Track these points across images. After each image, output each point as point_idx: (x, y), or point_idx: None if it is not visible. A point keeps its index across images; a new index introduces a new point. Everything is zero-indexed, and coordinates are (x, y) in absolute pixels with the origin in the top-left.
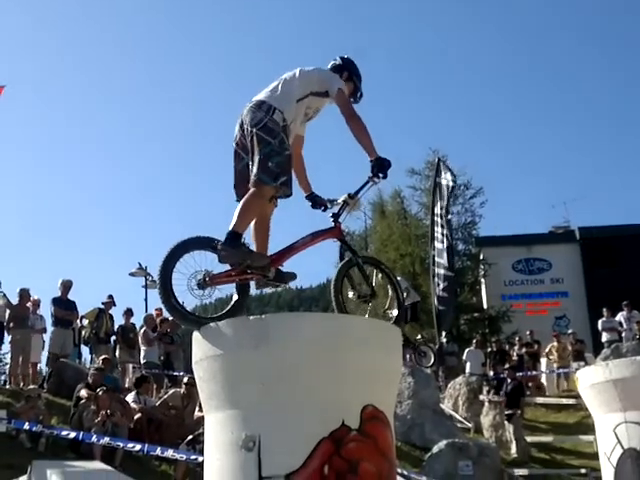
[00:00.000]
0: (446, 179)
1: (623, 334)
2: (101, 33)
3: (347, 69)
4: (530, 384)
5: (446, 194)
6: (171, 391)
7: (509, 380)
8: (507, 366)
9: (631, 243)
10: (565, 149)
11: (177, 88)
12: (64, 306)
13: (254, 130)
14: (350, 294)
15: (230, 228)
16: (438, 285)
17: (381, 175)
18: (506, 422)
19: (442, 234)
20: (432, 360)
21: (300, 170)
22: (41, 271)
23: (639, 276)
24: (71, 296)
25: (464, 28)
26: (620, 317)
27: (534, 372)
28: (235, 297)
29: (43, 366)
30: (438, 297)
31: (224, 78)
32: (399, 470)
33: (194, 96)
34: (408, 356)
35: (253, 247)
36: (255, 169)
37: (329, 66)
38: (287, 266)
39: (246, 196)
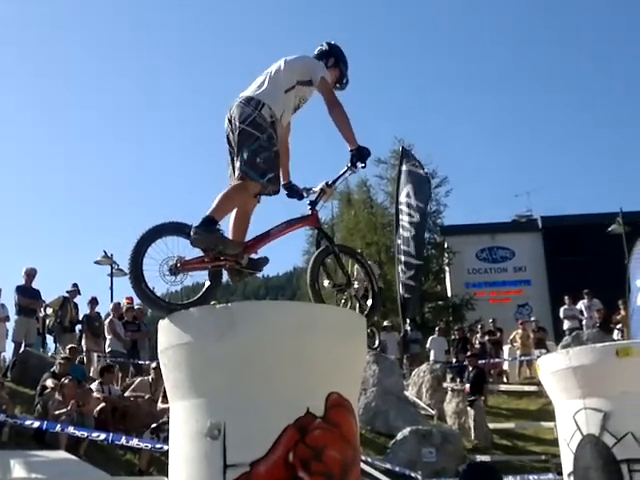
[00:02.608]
0: (418, 168)
1: (584, 322)
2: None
3: (333, 55)
4: (492, 371)
5: (415, 182)
6: (138, 379)
7: (471, 368)
8: (469, 354)
9: (593, 232)
10: (528, 139)
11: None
12: (28, 294)
13: (242, 125)
14: (325, 283)
15: (207, 214)
16: (404, 273)
17: (360, 164)
18: (469, 408)
19: (409, 222)
20: (377, 341)
21: (283, 157)
22: (3, 259)
23: (600, 265)
24: (35, 284)
25: (430, 18)
26: (581, 305)
27: (497, 359)
28: (207, 284)
29: (8, 355)
30: (404, 285)
31: (201, 70)
32: (363, 457)
33: (157, 82)
34: None
35: (229, 236)
36: (240, 164)
37: (315, 52)
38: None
39: (229, 186)
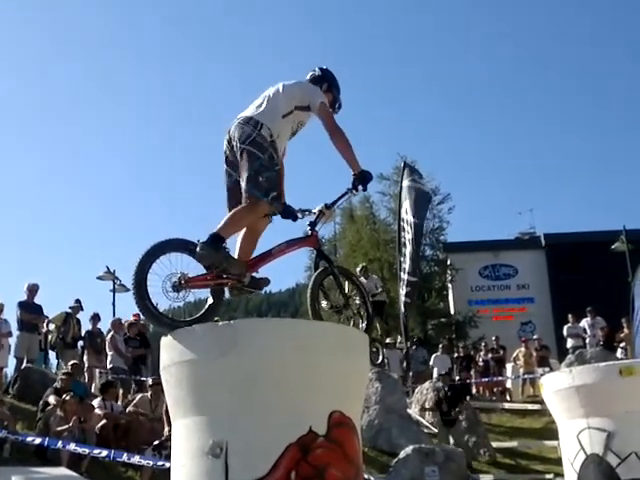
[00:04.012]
0: (419, 183)
1: (587, 340)
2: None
3: (326, 80)
4: (496, 389)
5: (412, 197)
6: (138, 396)
7: (446, 387)
8: (443, 372)
9: (596, 250)
10: (531, 156)
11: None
12: (30, 310)
13: (242, 146)
14: (324, 303)
15: (215, 230)
16: (403, 290)
17: (361, 188)
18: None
19: (407, 239)
20: (381, 358)
21: None
22: (6, 274)
23: (604, 282)
24: (37, 300)
25: (428, 36)
26: (584, 323)
27: (499, 377)
28: (210, 301)
29: (10, 371)
30: (404, 302)
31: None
32: (366, 475)
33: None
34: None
35: (235, 254)
36: (245, 184)
37: (308, 77)
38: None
39: (239, 206)
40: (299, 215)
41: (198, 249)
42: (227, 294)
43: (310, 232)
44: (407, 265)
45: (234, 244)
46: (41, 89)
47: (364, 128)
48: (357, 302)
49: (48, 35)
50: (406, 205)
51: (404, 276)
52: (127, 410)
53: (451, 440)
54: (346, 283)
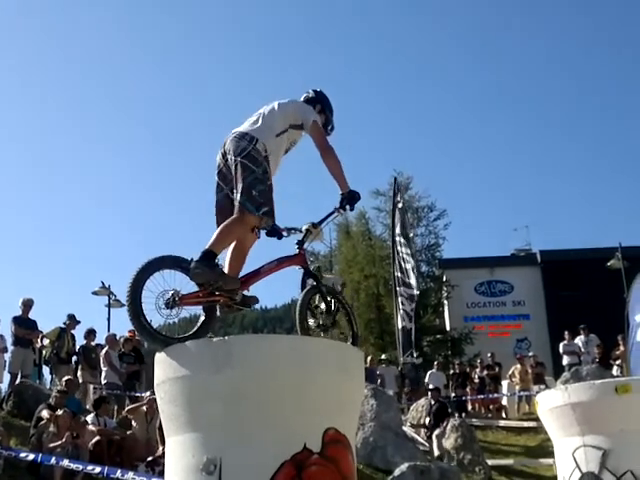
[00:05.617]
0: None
1: (582, 357)
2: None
3: (320, 102)
4: (491, 407)
5: (404, 212)
6: (132, 405)
7: (433, 401)
8: (431, 386)
9: (592, 266)
10: (527, 172)
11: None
12: (25, 325)
13: (238, 159)
14: (311, 322)
15: (206, 247)
16: (403, 304)
17: (348, 207)
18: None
19: (407, 254)
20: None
21: None
22: (0, 289)
23: (599, 299)
24: (32, 315)
25: (429, 49)
26: (578, 341)
27: (495, 395)
28: (202, 318)
29: (4, 386)
30: (409, 317)
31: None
32: None
33: (150, 113)
34: None
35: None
36: (239, 196)
37: (302, 98)
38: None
39: (228, 219)
40: (284, 234)
41: (192, 268)
42: (218, 312)
43: (298, 250)
44: (412, 280)
45: (222, 261)
46: None
47: (361, 142)
48: (343, 320)
49: None
50: (403, 220)
51: (408, 290)
52: (124, 412)
53: (435, 450)
54: (332, 301)
